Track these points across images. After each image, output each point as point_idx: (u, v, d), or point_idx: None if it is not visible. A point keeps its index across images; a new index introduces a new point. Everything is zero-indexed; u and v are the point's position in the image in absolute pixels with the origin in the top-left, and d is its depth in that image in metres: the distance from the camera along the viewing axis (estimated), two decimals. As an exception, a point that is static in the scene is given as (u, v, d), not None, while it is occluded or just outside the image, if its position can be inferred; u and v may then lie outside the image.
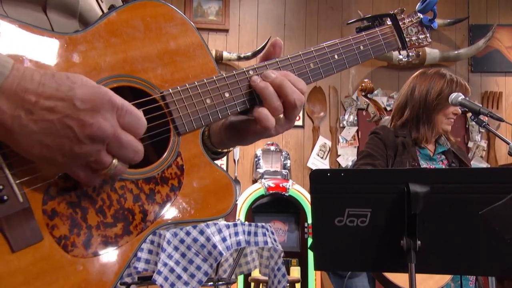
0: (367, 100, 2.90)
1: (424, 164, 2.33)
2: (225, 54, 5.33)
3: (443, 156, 2.40)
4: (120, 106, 0.66)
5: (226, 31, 5.51)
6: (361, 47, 1.00)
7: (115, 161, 0.67)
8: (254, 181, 5.24)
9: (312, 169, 5.26)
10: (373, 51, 1.02)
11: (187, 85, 0.81)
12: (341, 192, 1.53)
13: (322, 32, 5.60)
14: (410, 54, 1.12)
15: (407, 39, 1.09)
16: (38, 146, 0.63)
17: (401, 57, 1.12)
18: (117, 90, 0.74)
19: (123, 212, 0.74)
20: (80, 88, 0.63)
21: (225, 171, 0.84)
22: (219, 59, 5.32)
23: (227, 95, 0.84)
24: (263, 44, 5.31)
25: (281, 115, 0.86)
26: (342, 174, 1.56)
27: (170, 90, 0.79)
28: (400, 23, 1.08)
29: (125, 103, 0.67)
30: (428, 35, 1.13)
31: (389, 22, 1.08)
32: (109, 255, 0.72)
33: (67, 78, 0.64)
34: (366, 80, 2.97)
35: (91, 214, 0.72)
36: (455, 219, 1.51)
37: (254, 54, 5.32)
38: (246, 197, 4.99)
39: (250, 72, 0.87)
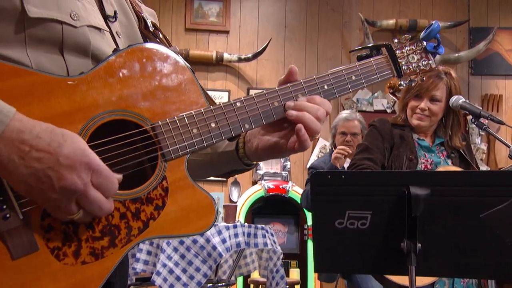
0: (394, 98, 2.92)
1: (422, 156, 2.32)
2: (226, 56, 5.33)
3: (442, 147, 2.40)
4: (96, 168, 0.78)
5: (227, 32, 5.51)
6: (353, 77, 1.07)
7: (80, 211, 0.79)
8: (254, 183, 5.24)
9: (312, 171, 5.26)
10: (366, 80, 1.08)
11: (175, 117, 0.92)
12: (341, 194, 1.53)
13: (323, 34, 5.60)
14: (412, 80, 1.16)
15: (404, 67, 1.14)
16: (23, 185, 0.76)
17: (402, 83, 1.16)
18: (113, 122, 0.87)
19: (110, 227, 0.85)
20: (68, 146, 0.76)
21: (207, 192, 0.93)
22: (219, 61, 5.32)
23: (213, 125, 0.94)
24: (264, 46, 5.31)
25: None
26: (343, 177, 1.56)
27: (160, 122, 0.90)
28: (398, 52, 1.14)
29: (101, 167, 0.78)
30: (431, 61, 1.16)
31: (386, 52, 1.14)
32: (96, 264, 0.84)
33: (62, 136, 0.77)
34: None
35: (81, 229, 0.83)
36: (456, 222, 1.51)
37: (255, 56, 5.32)
38: (245, 198, 4.99)
39: (237, 104, 0.96)
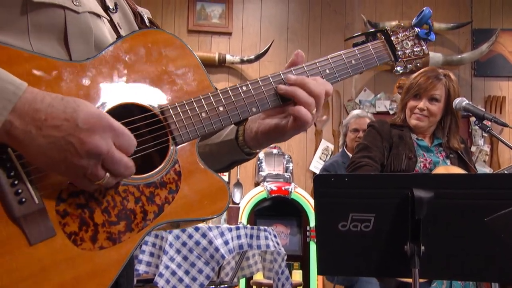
0: None
1: (421, 155, 2.33)
2: (228, 57, 5.33)
3: (440, 148, 2.41)
4: (115, 128, 0.77)
5: (229, 34, 5.51)
6: (353, 61, 1.08)
7: (107, 174, 0.78)
8: (257, 184, 5.23)
9: (314, 172, 5.26)
10: (365, 64, 1.10)
11: (184, 101, 0.91)
12: (345, 197, 1.52)
13: (325, 36, 5.60)
14: (407, 66, 1.19)
15: (400, 52, 1.16)
16: (44, 157, 0.74)
17: (398, 69, 1.19)
18: (122, 106, 0.86)
19: (125, 212, 0.84)
20: (83, 111, 0.75)
21: (219, 176, 0.92)
22: (222, 62, 5.32)
23: (221, 109, 0.94)
24: (266, 47, 5.31)
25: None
26: (346, 179, 1.56)
27: (169, 106, 0.90)
28: (393, 38, 1.16)
29: (120, 127, 0.78)
30: (424, 47, 1.19)
31: (382, 37, 1.16)
32: (113, 249, 0.83)
33: (74, 102, 0.76)
34: (403, 77, 3.03)
35: (97, 214, 0.82)
36: (459, 225, 1.50)
37: (257, 57, 5.32)
38: (248, 200, 4.99)
39: (243, 88, 0.97)
